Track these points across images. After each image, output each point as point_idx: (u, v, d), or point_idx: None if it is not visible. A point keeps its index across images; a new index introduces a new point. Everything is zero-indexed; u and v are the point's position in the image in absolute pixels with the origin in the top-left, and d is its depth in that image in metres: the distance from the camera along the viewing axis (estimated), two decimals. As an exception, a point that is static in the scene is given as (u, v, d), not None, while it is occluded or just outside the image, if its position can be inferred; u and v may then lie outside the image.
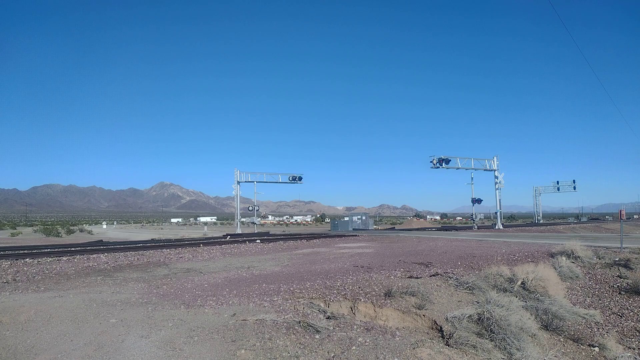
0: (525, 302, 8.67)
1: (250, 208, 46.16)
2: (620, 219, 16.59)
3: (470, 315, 7.18)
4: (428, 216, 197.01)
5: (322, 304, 7.70)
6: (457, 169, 40.81)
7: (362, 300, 7.97)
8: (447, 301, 8.31)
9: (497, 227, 40.67)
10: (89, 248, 20.93)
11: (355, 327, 6.45)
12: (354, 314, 7.62)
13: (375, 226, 60.66)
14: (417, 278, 9.77)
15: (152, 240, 29.23)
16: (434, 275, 10.19)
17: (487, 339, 6.57)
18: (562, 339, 7.91)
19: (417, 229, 48.44)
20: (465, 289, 9.06)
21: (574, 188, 60.03)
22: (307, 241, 25.22)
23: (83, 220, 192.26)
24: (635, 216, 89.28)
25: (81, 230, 63.49)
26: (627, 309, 9.40)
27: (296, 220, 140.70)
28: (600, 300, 10.06)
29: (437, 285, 9.22)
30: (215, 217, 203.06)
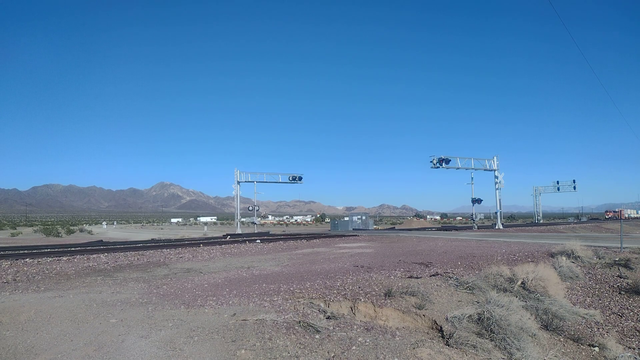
0: (525, 302, 8.66)
1: (250, 208, 46.14)
2: (621, 218, 16.61)
3: (470, 315, 7.18)
4: (428, 216, 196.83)
5: (322, 304, 7.70)
6: (457, 169, 40.81)
7: (362, 300, 7.96)
8: (447, 301, 8.30)
9: (497, 227, 40.67)
10: (89, 248, 20.94)
11: (355, 327, 6.45)
12: (354, 314, 7.61)
13: (375, 226, 60.65)
14: (417, 278, 9.77)
15: (152, 240, 29.22)
16: (434, 275, 10.18)
17: (487, 339, 6.57)
18: (562, 339, 7.90)
19: (417, 229, 48.42)
20: (465, 289, 9.05)
21: (574, 188, 60.03)
22: (307, 241, 25.22)
23: (83, 220, 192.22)
24: (633, 214, 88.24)
25: (81, 230, 63.49)
26: (627, 308, 9.39)
27: (296, 220, 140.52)
28: (600, 300, 10.05)
29: (437, 285, 9.21)
30: (215, 217, 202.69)
